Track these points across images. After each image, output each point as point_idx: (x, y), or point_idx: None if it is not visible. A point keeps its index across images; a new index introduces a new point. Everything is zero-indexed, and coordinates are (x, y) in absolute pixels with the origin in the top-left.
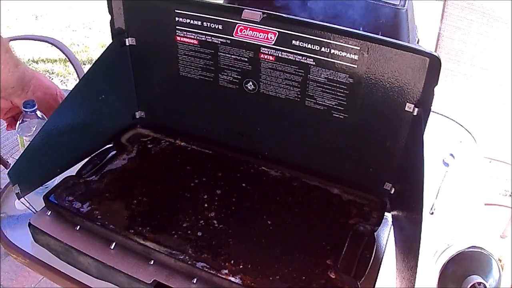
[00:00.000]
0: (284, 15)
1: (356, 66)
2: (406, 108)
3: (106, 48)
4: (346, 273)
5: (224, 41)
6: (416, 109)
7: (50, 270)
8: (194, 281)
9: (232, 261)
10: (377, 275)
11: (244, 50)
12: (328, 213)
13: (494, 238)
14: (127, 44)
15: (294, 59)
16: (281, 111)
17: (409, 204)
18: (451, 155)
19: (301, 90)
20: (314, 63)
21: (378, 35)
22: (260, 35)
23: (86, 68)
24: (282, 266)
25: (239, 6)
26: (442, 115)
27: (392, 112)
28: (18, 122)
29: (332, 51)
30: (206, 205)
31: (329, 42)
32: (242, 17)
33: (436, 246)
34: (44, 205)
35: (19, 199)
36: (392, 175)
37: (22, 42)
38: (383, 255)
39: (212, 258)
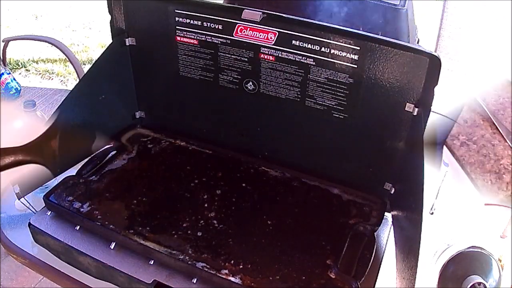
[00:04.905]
0: (284, 15)
1: (356, 66)
2: (406, 108)
3: (106, 48)
4: (346, 273)
5: (224, 41)
6: (416, 109)
7: (50, 270)
8: (194, 281)
9: (232, 261)
10: (377, 275)
11: (244, 50)
12: (328, 213)
13: (494, 238)
14: (127, 44)
15: (294, 59)
16: (281, 111)
17: (409, 204)
18: None
19: (301, 90)
20: (314, 63)
21: (378, 35)
22: (260, 35)
23: (86, 68)
24: (282, 266)
25: (239, 6)
26: (442, 115)
27: (392, 112)
28: None
29: (332, 51)
30: (206, 205)
31: (329, 42)
32: (242, 17)
33: (436, 246)
34: (44, 205)
35: (19, 199)
36: (392, 175)
37: (22, 42)
38: (383, 255)
39: (212, 258)
